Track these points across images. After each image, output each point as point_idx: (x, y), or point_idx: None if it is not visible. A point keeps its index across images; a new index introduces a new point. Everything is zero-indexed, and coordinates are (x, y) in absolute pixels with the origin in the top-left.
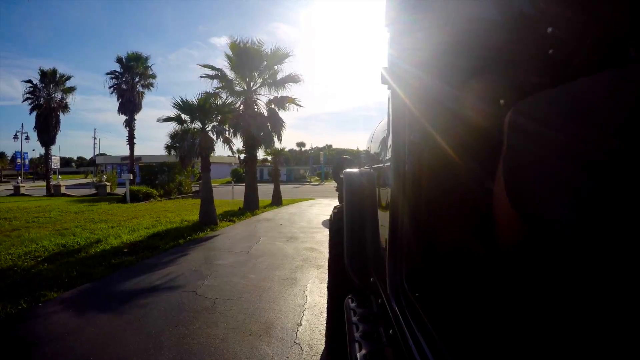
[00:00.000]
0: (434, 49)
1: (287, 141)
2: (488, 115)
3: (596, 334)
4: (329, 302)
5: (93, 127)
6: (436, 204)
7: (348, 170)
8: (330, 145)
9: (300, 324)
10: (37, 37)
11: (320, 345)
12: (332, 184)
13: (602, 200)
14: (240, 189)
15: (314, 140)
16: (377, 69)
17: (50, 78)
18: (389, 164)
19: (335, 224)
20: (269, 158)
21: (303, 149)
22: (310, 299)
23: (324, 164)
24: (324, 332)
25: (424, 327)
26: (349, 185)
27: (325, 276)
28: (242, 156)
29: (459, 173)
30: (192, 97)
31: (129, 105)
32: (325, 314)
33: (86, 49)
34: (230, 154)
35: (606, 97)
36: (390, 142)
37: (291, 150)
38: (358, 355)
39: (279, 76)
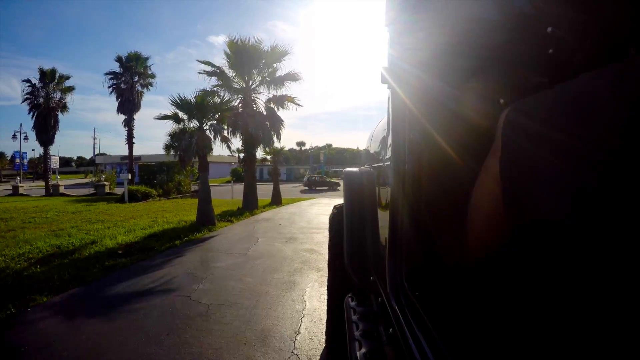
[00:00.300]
0: (434, 48)
1: (287, 140)
2: (488, 115)
3: (597, 335)
4: (328, 301)
5: (92, 127)
6: (436, 203)
7: (348, 169)
8: (330, 145)
9: (299, 332)
10: (35, 36)
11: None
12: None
13: (603, 200)
14: (241, 188)
15: (314, 140)
16: (377, 69)
17: (49, 78)
18: (388, 163)
19: (335, 223)
20: (269, 157)
21: (303, 148)
22: (310, 305)
23: (324, 163)
24: (324, 340)
25: (424, 326)
26: (349, 185)
27: (325, 280)
28: (242, 155)
29: (459, 172)
30: (190, 95)
31: (128, 105)
32: (325, 320)
33: (85, 48)
34: (229, 153)
35: (606, 95)
36: (390, 141)
37: (291, 150)
38: (358, 353)
39: (278, 74)
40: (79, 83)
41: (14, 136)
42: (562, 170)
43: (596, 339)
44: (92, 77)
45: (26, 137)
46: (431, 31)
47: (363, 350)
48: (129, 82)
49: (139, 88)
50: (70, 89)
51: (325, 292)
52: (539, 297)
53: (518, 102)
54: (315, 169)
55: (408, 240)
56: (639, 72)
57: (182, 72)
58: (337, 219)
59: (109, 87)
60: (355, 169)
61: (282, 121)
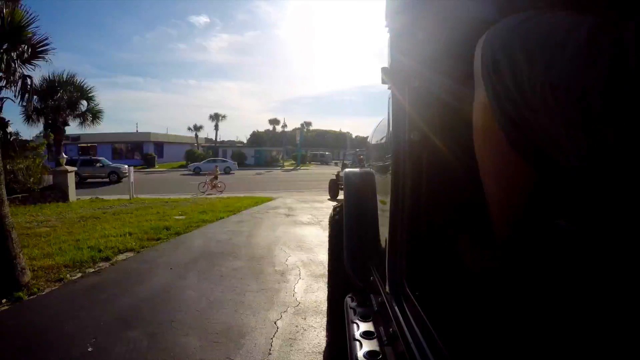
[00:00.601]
0: (435, 49)
1: (262, 121)
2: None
3: (597, 335)
4: (329, 301)
5: None
6: (436, 203)
7: (348, 169)
8: (310, 123)
9: None
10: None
11: None
12: (313, 170)
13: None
14: (198, 178)
15: (294, 123)
16: (374, 67)
17: None
18: (389, 163)
19: (335, 222)
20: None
21: (277, 127)
22: None
23: (300, 145)
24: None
25: (424, 326)
26: (349, 185)
27: None
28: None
29: (459, 172)
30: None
31: None
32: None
33: (58, 27)
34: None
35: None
36: (390, 141)
37: (267, 131)
38: (358, 354)
39: None
40: (55, 64)
41: None
42: (544, 74)
43: (596, 339)
44: (70, 57)
45: None
46: (432, 31)
47: (363, 350)
48: None
49: None
50: None
51: None
52: (538, 297)
53: (496, 24)
54: (291, 151)
55: (408, 240)
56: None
57: (162, 53)
58: (337, 217)
59: None
60: (355, 169)
61: None
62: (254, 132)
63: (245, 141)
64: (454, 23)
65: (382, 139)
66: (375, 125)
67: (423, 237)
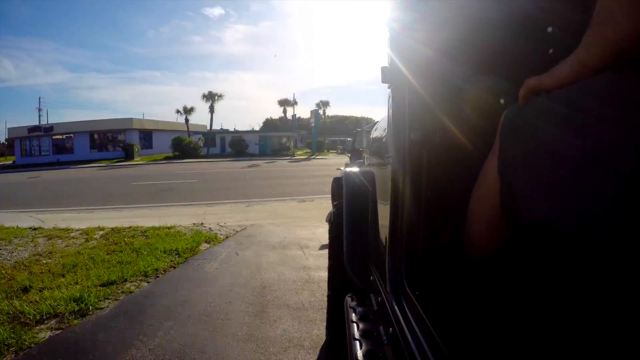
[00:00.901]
0: (435, 48)
1: (278, 110)
2: (488, 115)
3: (596, 335)
4: (329, 299)
5: (89, 105)
6: (436, 202)
7: (348, 169)
8: (327, 103)
9: None
10: (23, 14)
11: None
12: (331, 160)
13: (600, 202)
14: (181, 169)
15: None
16: (378, 66)
17: None
18: (388, 162)
19: (335, 221)
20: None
21: (287, 108)
22: None
23: (316, 129)
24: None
25: (424, 325)
26: (349, 184)
27: None
28: None
29: (459, 172)
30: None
31: None
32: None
33: (75, 24)
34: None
35: (602, 98)
36: (390, 140)
37: (281, 118)
38: (358, 353)
39: None
40: (72, 61)
41: None
42: (558, 171)
43: (595, 339)
44: (84, 54)
45: None
46: (431, 31)
47: (363, 350)
48: None
49: None
50: None
51: None
52: (538, 297)
53: (516, 103)
54: (305, 138)
55: (408, 239)
56: (634, 76)
57: (178, 46)
58: (337, 216)
59: None
60: (355, 169)
61: None
62: (267, 119)
63: (258, 130)
64: (454, 23)
65: (382, 137)
66: (376, 124)
67: (423, 237)
